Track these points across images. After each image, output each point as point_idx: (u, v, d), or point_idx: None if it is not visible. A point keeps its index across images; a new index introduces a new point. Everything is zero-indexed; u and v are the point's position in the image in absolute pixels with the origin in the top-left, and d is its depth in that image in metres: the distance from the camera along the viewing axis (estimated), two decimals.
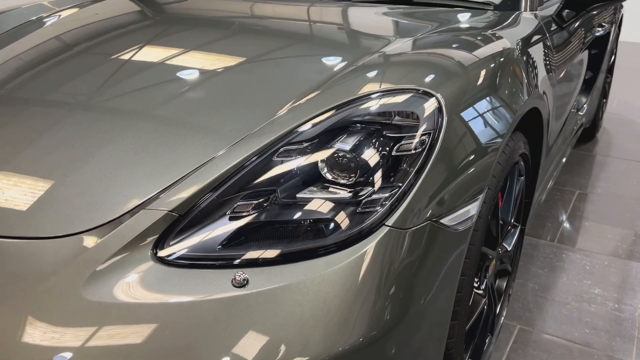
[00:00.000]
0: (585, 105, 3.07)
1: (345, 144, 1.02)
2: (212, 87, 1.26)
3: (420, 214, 1.00)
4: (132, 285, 0.90)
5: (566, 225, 2.57)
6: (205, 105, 1.18)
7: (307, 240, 0.94)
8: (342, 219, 0.96)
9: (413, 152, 1.03)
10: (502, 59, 1.33)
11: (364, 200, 0.98)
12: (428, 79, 1.14)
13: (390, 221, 0.96)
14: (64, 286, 0.88)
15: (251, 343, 0.86)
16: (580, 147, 3.54)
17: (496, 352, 1.74)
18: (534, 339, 1.80)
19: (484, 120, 1.16)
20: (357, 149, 1.02)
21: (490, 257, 1.43)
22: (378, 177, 1.00)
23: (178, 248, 0.93)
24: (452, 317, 1.17)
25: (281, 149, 1.02)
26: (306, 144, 1.02)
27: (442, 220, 1.04)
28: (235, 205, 0.97)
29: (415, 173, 1.01)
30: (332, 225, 0.95)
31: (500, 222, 1.51)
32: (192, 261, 0.92)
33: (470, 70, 1.22)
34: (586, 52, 2.65)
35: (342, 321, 0.89)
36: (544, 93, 1.59)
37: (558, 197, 2.86)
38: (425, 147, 1.03)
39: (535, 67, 1.52)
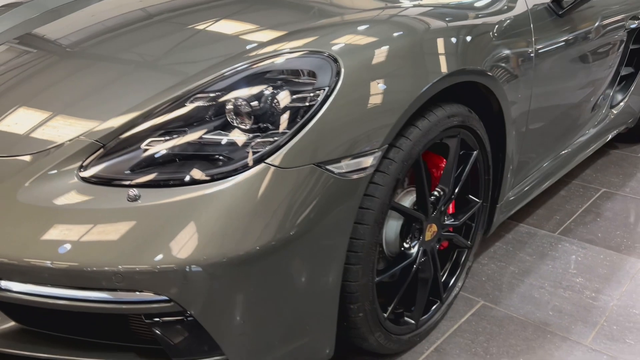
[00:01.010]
0: (621, 103, 2.98)
1: (247, 94, 1.19)
2: (157, 51, 1.49)
3: (303, 158, 1.14)
4: (57, 195, 1.12)
5: (575, 219, 2.54)
6: (145, 64, 1.41)
7: (199, 170, 1.12)
8: (232, 155, 1.13)
9: (306, 104, 1.17)
10: (419, 32, 1.41)
11: (253, 142, 1.14)
12: (335, 45, 1.27)
13: (271, 160, 1.12)
14: (5, 191, 1.13)
15: (137, 247, 1.06)
16: (625, 148, 3.41)
17: (449, 321, 1.82)
18: (493, 315, 1.85)
19: (388, 85, 1.28)
20: (256, 98, 1.18)
21: (421, 220, 1.53)
22: (270, 123, 1.16)
23: (96, 170, 1.15)
24: (350, 260, 1.30)
25: (194, 97, 1.20)
26: (215, 94, 1.20)
27: (328, 167, 1.18)
28: (150, 140, 1.17)
29: (303, 122, 1.16)
30: (222, 159, 1.13)
31: (439, 190, 1.59)
32: (104, 180, 1.13)
33: (383, 40, 1.34)
34: (617, 46, 2.58)
35: (213, 237, 1.07)
36: (508, 74, 1.65)
37: (579, 193, 2.81)
38: (318, 102, 1.17)
39: (486, 44, 1.59)
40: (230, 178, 1.11)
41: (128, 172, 1.14)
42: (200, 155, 1.14)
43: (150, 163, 1.14)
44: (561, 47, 2.01)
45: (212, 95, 1.20)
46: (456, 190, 1.64)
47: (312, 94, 1.18)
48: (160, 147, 1.16)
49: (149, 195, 1.10)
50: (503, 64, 1.65)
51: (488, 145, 1.72)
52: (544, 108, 1.99)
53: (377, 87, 1.26)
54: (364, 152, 1.23)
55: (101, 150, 1.17)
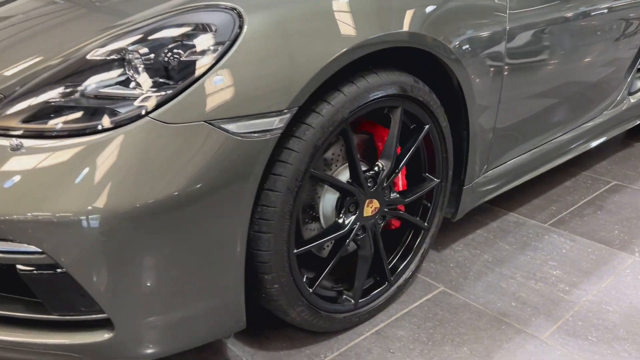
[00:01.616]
0: None
1: (145, 47, 1.16)
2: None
3: (193, 114, 1.10)
4: None
5: (573, 210, 2.37)
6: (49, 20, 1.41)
7: (84, 123, 1.10)
8: (120, 109, 1.10)
9: (202, 58, 1.13)
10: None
11: (143, 97, 1.11)
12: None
13: (157, 114, 1.08)
14: None
15: (14, 196, 1.05)
16: None
17: (400, 305, 1.73)
18: (449, 302, 1.75)
19: (299, 44, 1.21)
20: (153, 52, 1.15)
21: (354, 194, 1.45)
22: (165, 77, 1.13)
23: None
24: (261, 228, 1.25)
25: (94, 50, 1.18)
26: (114, 48, 1.17)
27: (224, 126, 1.13)
28: (46, 92, 1.16)
29: (196, 77, 1.11)
30: (110, 113, 1.10)
31: (379, 165, 1.51)
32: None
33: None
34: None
35: (89, 190, 1.04)
36: (466, 39, 1.53)
37: (586, 185, 2.63)
38: (215, 56, 1.13)
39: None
40: (112, 131, 1.08)
41: (20, 122, 1.13)
42: (90, 107, 1.12)
43: (41, 114, 1.13)
44: (554, 11, 1.85)
45: (111, 49, 1.18)
46: (400, 166, 1.54)
47: (210, 48, 1.14)
48: (51, 98, 1.14)
49: (33, 145, 1.08)
50: (457, 26, 1.52)
51: (444, 120, 1.61)
52: (525, 82, 1.85)
53: (286, 45, 1.19)
54: (267, 113, 1.17)
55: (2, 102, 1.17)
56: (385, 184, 1.53)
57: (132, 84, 1.14)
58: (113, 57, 1.17)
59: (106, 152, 1.07)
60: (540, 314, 1.70)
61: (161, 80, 1.13)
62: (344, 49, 1.24)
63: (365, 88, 1.35)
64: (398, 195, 1.61)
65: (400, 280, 1.71)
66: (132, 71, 1.15)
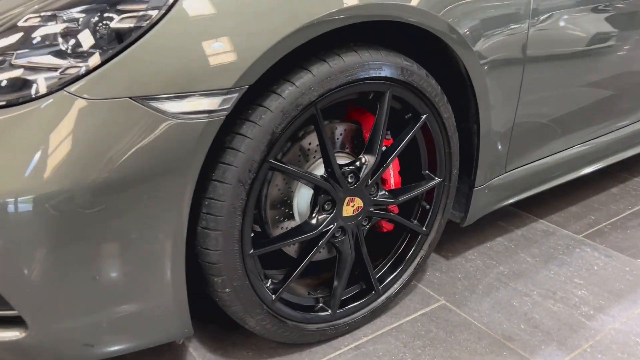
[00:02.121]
0: None
1: (76, 14, 1.02)
2: None
3: (116, 89, 0.95)
4: None
5: (615, 222, 2.08)
6: None
7: (11, 93, 0.97)
8: (43, 81, 0.97)
9: (131, 26, 0.98)
10: None
11: (64, 68, 0.97)
12: None
13: (75, 89, 0.94)
14: None
15: None
16: None
17: (390, 317, 1.54)
18: (447, 318, 1.54)
19: (249, 14, 1.03)
20: (84, 19, 1.01)
21: (327, 190, 1.27)
22: (90, 46, 0.99)
23: None
24: (208, 224, 1.09)
25: (26, 19, 1.06)
26: (46, 18, 1.04)
27: (153, 103, 0.97)
28: None
29: (122, 47, 0.96)
30: (30, 85, 0.97)
31: (362, 159, 1.32)
32: None
33: None
34: None
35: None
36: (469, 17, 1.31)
37: (635, 193, 2.31)
38: (147, 24, 0.97)
39: None
40: (28, 105, 0.95)
41: None
42: (17, 79, 0.99)
43: None
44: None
45: (44, 15, 1.05)
46: (389, 161, 1.34)
47: (142, 14, 0.98)
48: None
49: None
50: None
51: (447, 111, 1.39)
52: (555, 73, 1.60)
53: (233, 13, 1.02)
54: (207, 91, 1.00)
55: None
56: (370, 181, 1.33)
57: (61, 54, 1.00)
58: (45, 24, 1.04)
59: (17, 130, 0.94)
60: (552, 340, 1.46)
61: (89, 50, 0.99)
62: (304, 23, 1.05)
63: (340, 68, 1.15)
64: (388, 194, 1.41)
65: (391, 291, 1.51)
66: (62, 39, 1.01)
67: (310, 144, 1.33)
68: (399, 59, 1.25)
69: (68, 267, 0.99)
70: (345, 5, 1.09)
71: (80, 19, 1.02)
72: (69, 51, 1.00)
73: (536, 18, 1.46)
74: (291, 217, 1.36)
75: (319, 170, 1.32)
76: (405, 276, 1.53)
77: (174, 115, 0.99)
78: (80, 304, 1.03)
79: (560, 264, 1.80)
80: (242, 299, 1.21)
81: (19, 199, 0.92)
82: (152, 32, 0.97)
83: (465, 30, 1.30)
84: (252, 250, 1.19)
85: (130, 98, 0.96)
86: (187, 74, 0.99)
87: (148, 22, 0.98)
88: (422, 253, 1.55)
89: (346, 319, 1.44)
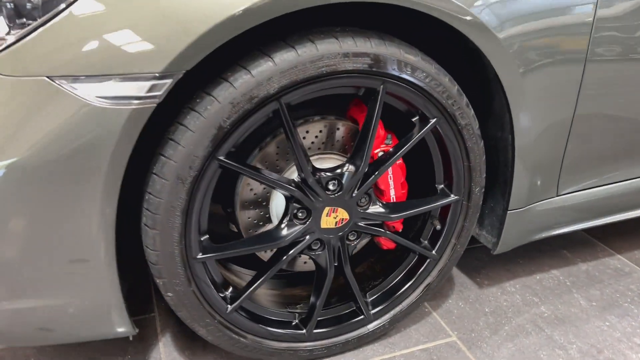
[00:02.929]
0: None
1: None
2: None
3: (33, 66, 0.87)
4: None
5: None
6: None
7: None
8: None
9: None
10: None
11: None
12: None
13: None
14: None
15: None
16: None
17: (383, 346, 1.34)
18: (452, 358, 1.31)
19: None
20: None
21: (296, 197, 1.10)
22: (2, 23, 0.92)
23: None
24: (146, 220, 0.99)
25: None
26: None
27: (74, 84, 0.88)
28: None
29: (44, 21, 0.88)
30: None
31: (352, 167, 1.12)
32: None
33: None
34: None
35: None
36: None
37: None
38: (65, 3, 0.88)
39: None
40: None
41: None
42: None
43: None
44: None
45: None
46: (381, 169, 1.14)
47: None
48: None
49: None
50: None
51: (465, 117, 1.15)
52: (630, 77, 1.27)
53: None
54: (133, 74, 0.88)
55: None
56: (356, 191, 1.14)
57: None
58: None
59: None
60: None
61: (6, 24, 0.92)
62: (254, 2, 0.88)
63: (311, 57, 0.97)
64: (383, 208, 1.20)
65: (385, 318, 1.31)
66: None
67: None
68: (397, 50, 1.03)
69: None
70: None
71: None
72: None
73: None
74: (269, 220, 1.21)
75: (319, 165, 1.16)
76: (405, 304, 1.32)
77: (92, 99, 0.88)
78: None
79: (621, 315, 1.46)
80: (187, 305, 1.10)
81: None
82: (71, 8, 0.87)
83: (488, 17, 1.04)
84: (200, 255, 1.07)
85: (47, 77, 0.87)
86: (111, 54, 0.87)
87: None
88: (429, 280, 1.32)
89: (325, 342, 1.27)
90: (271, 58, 0.96)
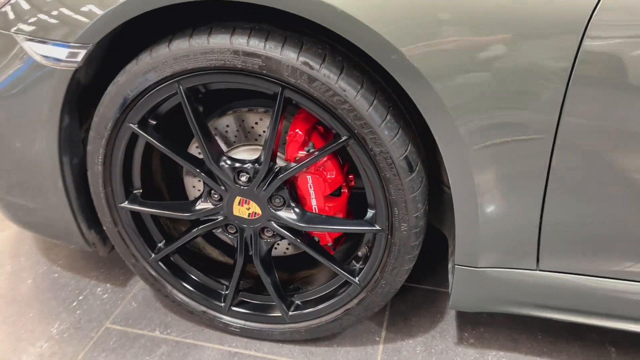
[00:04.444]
0: None
1: None
2: None
3: (7, 24, 1.14)
4: None
5: None
6: None
7: None
8: None
9: None
10: None
11: None
12: None
13: None
14: None
15: None
16: None
17: (299, 353, 1.33)
18: None
19: None
20: None
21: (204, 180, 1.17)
22: None
23: None
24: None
25: None
26: None
27: (28, 42, 1.13)
28: None
29: None
30: None
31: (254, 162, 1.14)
32: None
33: None
34: None
35: None
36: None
37: None
38: None
39: None
40: None
41: None
42: None
43: None
44: None
45: None
46: (282, 175, 1.12)
47: None
48: None
49: None
50: None
51: (379, 143, 1.02)
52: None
53: None
54: (56, 41, 1.08)
55: None
56: (264, 189, 1.15)
57: None
58: None
59: None
60: None
61: None
62: None
63: (202, 48, 1.02)
64: (296, 215, 1.17)
65: (299, 326, 1.30)
66: None
67: (228, 125, 1.22)
68: (293, 56, 0.99)
69: None
70: None
71: None
72: None
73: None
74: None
75: (240, 155, 1.21)
76: (323, 320, 1.27)
77: (38, 56, 1.12)
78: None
79: None
80: (115, 242, 1.31)
81: None
82: None
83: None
84: (122, 204, 1.24)
85: (13, 33, 1.13)
86: (47, 24, 1.08)
87: None
88: (349, 305, 1.24)
89: (241, 322, 1.33)
90: (169, 44, 1.04)
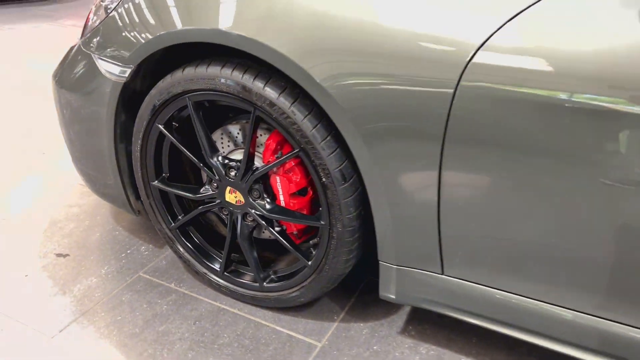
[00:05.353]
0: None
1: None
2: None
3: (90, 46, 1.63)
4: None
5: None
6: None
7: None
8: None
9: (108, 5, 1.61)
10: None
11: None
12: None
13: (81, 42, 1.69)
14: None
15: None
16: None
17: (270, 316, 1.68)
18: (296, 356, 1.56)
19: (149, 14, 1.45)
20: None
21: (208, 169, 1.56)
22: (92, 17, 1.69)
23: None
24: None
25: None
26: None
27: (97, 60, 1.60)
28: None
29: (102, 20, 1.62)
30: None
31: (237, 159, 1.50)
32: None
33: None
34: None
35: None
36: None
37: None
38: (109, 10, 1.59)
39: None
40: None
41: None
42: None
43: None
44: None
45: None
46: (256, 172, 1.47)
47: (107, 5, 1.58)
48: None
49: None
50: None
51: (321, 157, 1.33)
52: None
53: (153, 14, 1.45)
54: (115, 62, 1.54)
55: None
56: (247, 181, 1.51)
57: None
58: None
59: None
60: None
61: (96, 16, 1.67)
62: (162, 32, 1.39)
63: (201, 75, 1.41)
64: (268, 206, 1.52)
65: (273, 295, 1.64)
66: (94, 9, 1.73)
67: (235, 131, 1.60)
68: (260, 86, 1.33)
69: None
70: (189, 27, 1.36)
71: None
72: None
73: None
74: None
75: (235, 155, 1.60)
76: (285, 293, 1.60)
77: (103, 70, 1.58)
78: (78, 156, 1.84)
79: None
80: (148, 211, 1.75)
81: None
82: (110, 14, 1.57)
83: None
84: (153, 182, 1.68)
85: (91, 52, 1.62)
86: (108, 47, 1.55)
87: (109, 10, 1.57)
88: (304, 284, 1.56)
89: (230, 286, 1.70)
90: (183, 70, 1.45)
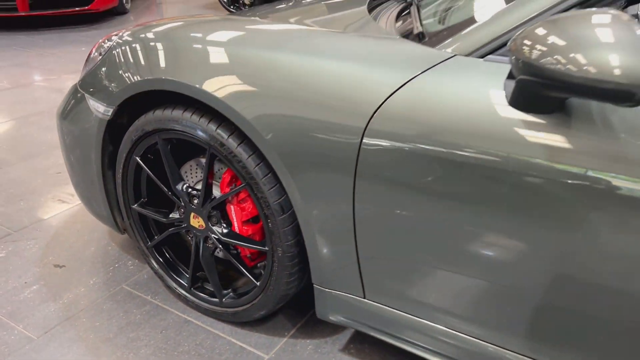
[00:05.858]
0: None
1: None
2: None
3: (84, 87, 1.90)
4: None
5: None
6: None
7: None
8: None
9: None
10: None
11: None
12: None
13: None
14: None
15: None
16: None
17: (228, 329, 1.88)
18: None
19: (133, 66, 1.71)
20: None
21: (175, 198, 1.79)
22: None
23: None
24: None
25: None
26: None
27: (89, 100, 1.87)
28: None
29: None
30: None
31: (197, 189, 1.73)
32: None
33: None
34: None
35: None
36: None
37: None
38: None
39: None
40: None
41: None
42: None
43: None
44: None
45: None
46: (212, 201, 1.69)
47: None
48: None
49: None
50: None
51: (262, 191, 1.55)
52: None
53: (130, 64, 1.71)
54: (100, 102, 1.80)
55: None
56: (206, 209, 1.73)
57: None
58: None
59: None
60: None
61: None
62: (129, 82, 1.65)
63: (167, 117, 1.65)
64: (223, 231, 1.74)
65: (230, 310, 1.84)
66: None
67: (200, 163, 1.83)
68: (213, 127, 1.56)
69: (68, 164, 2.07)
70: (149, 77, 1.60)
71: None
72: None
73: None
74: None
75: (199, 185, 1.82)
76: (239, 309, 1.81)
77: (93, 108, 1.85)
78: (76, 180, 2.11)
79: None
80: (127, 230, 1.98)
81: None
82: (99, 61, 1.83)
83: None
84: (133, 206, 1.92)
85: (85, 92, 1.88)
86: (94, 88, 1.81)
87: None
88: (255, 302, 1.76)
89: (195, 300, 1.92)
90: (154, 112, 1.69)
